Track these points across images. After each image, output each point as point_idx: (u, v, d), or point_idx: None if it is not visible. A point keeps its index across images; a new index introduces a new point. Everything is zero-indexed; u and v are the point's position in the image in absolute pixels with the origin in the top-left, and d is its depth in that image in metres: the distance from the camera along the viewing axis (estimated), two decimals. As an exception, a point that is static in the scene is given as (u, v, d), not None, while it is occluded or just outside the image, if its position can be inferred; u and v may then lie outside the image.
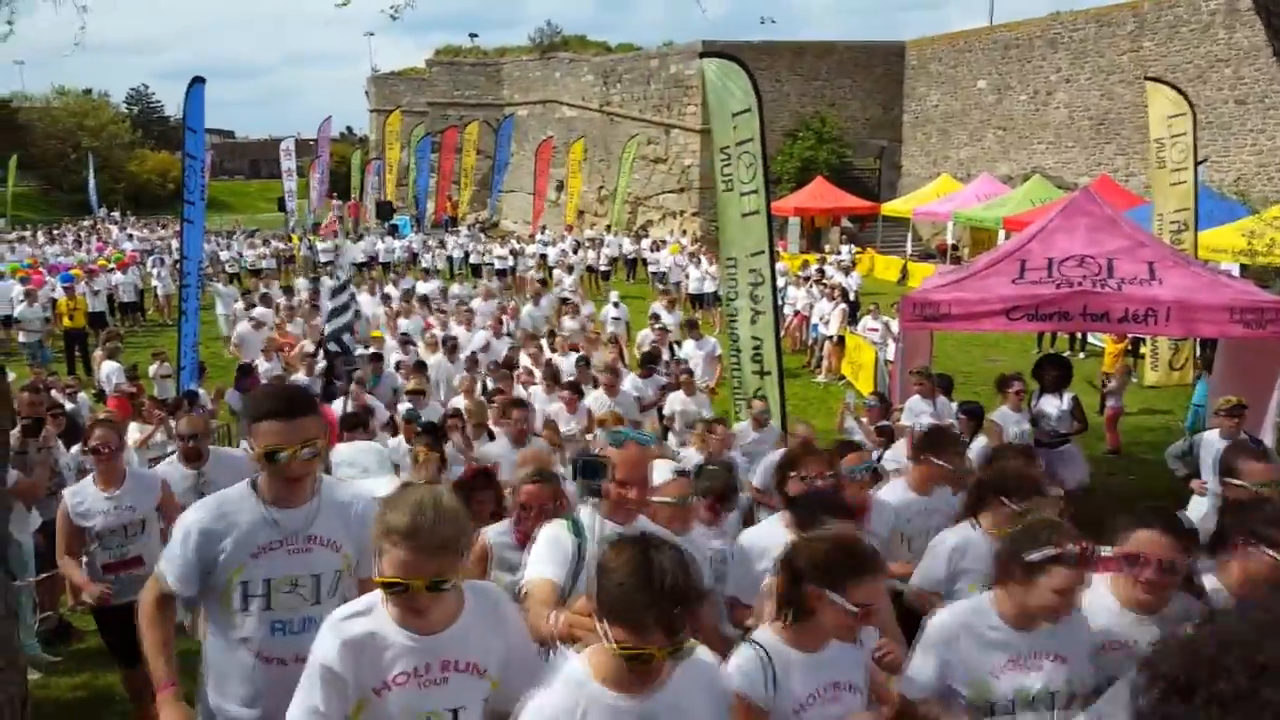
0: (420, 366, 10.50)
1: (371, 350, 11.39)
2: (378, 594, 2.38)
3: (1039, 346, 17.10)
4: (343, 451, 5.47)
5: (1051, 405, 8.16)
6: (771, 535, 3.87)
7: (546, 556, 2.98)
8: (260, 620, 2.90)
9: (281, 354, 12.56)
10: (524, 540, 3.71)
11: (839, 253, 26.08)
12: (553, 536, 3.06)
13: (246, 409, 3.07)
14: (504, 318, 14.25)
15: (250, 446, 2.96)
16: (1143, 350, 14.43)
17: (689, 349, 11.79)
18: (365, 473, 5.19)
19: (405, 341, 12.68)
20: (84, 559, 4.98)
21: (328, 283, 16.65)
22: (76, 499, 5.03)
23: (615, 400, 8.96)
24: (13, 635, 1.37)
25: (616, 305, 15.53)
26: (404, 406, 8.52)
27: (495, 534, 4.20)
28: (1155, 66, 23.91)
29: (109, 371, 11.80)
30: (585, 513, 3.09)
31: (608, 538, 2.74)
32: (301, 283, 20.43)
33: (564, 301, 16.56)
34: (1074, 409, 8.17)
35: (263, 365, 11.84)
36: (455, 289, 18.80)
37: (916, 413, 8.14)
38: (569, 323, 14.54)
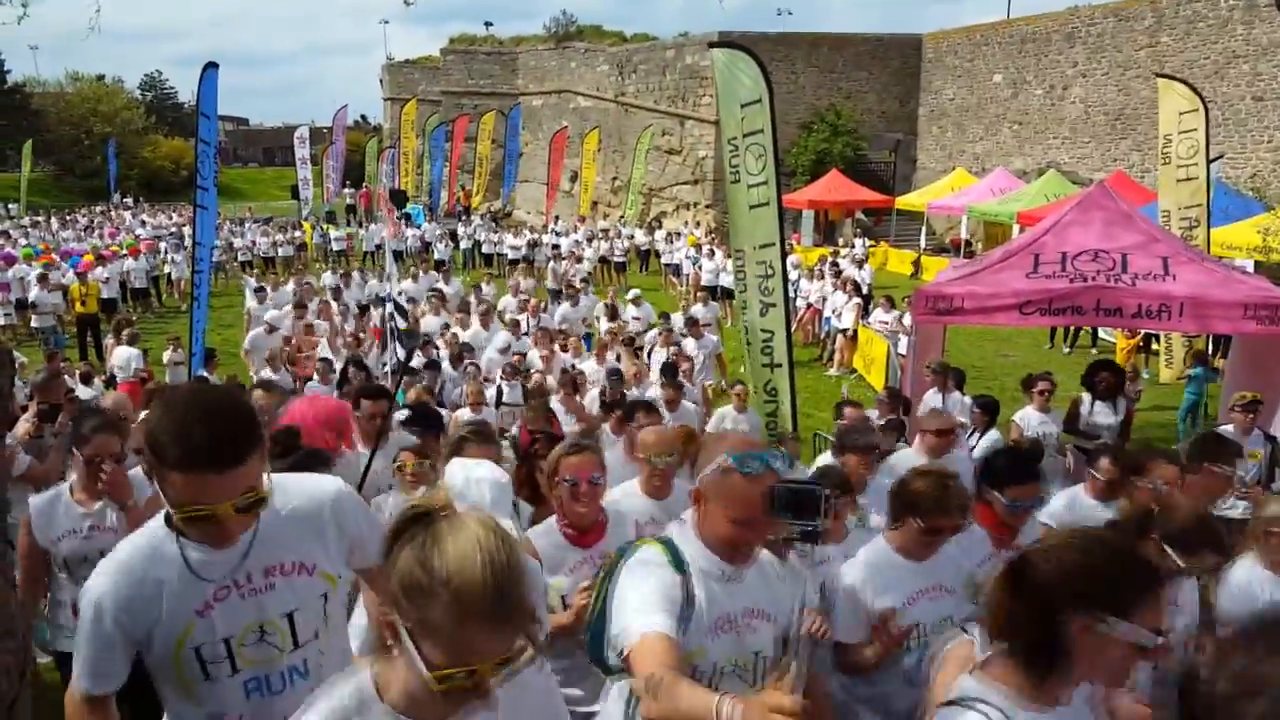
0: (433, 366, 9.88)
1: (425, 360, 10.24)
2: (365, 678, 1.71)
3: (1051, 342, 17.11)
4: (454, 475, 3.36)
5: (1105, 415, 7.61)
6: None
7: (653, 598, 2.17)
8: (229, 687, 2.20)
9: (294, 367, 11.38)
10: (578, 537, 3.36)
11: (853, 246, 26.03)
12: (651, 567, 2.30)
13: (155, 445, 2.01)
14: (525, 316, 13.34)
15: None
16: (1155, 346, 14.42)
17: (689, 347, 11.28)
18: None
19: (426, 344, 11.62)
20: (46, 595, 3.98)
21: (369, 281, 16.17)
22: (41, 512, 3.85)
23: (674, 415, 7.60)
24: (11, 604, 1.36)
25: (638, 303, 14.59)
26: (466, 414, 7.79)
27: (540, 536, 3.45)
28: (1173, 62, 23.80)
29: (127, 357, 11.69)
30: (678, 534, 2.41)
31: (710, 573, 2.34)
32: (328, 278, 18.26)
33: (568, 286, 16.30)
34: (1128, 419, 7.65)
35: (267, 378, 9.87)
36: (486, 289, 17.06)
37: (930, 406, 8.16)
38: (566, 309, 14.25)
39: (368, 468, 4.24)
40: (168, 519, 2.18)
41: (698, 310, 13.62)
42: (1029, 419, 7.70)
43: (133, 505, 3.72)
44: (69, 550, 3.83)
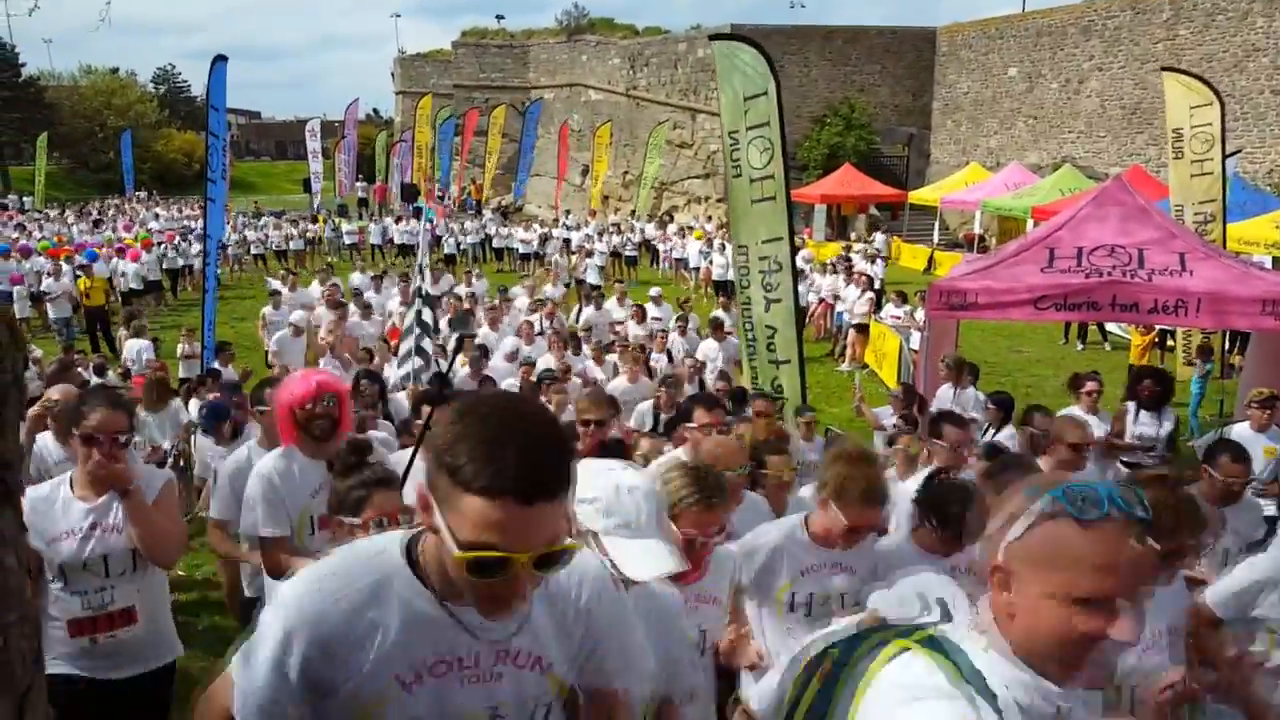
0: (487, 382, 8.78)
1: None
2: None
3: (1066, 338, 16.98)
4: (596, 481, 2.25)
5: (1150, 426, 7.14)
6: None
7: None
8: None
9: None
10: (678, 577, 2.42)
11: (872, 240, 25.90)
12: (935, 705, 1.44)
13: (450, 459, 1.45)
14: (538, 317, 12.25)
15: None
16: (1170, 343, 14.28)
17: (708, 349, 10.80)
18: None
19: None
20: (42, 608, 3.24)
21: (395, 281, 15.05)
22: (37, 508, 3.19)
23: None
24: (24, 589, 1.29)
25: (658, 303, 13.86)
26: None
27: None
28: (1190, 55, 23.57)
29: (138, 349, 11.64)
30: (959, 635, 1.58)
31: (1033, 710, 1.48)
32: (357, 278, 17.14)
33: (579, 283, 16.04)
34: (1175, 432, 7.20)
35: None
36: (518, 290, 15.52)
37: (944, 401, 8.08)
38: (591, 313, 13.32)
39: (408, 470, 4.01)
40: (409, 550, 1.63)
41: (720, 314, 12.55)
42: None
43: (135, 490, 3.23)
44: (67, 554, 3.22)
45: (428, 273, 9.00)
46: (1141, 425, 7.12)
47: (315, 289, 14.94)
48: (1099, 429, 6.85)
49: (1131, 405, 7.23)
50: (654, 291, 14.70)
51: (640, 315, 12.82)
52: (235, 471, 4.12)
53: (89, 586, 3.25)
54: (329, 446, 3.54)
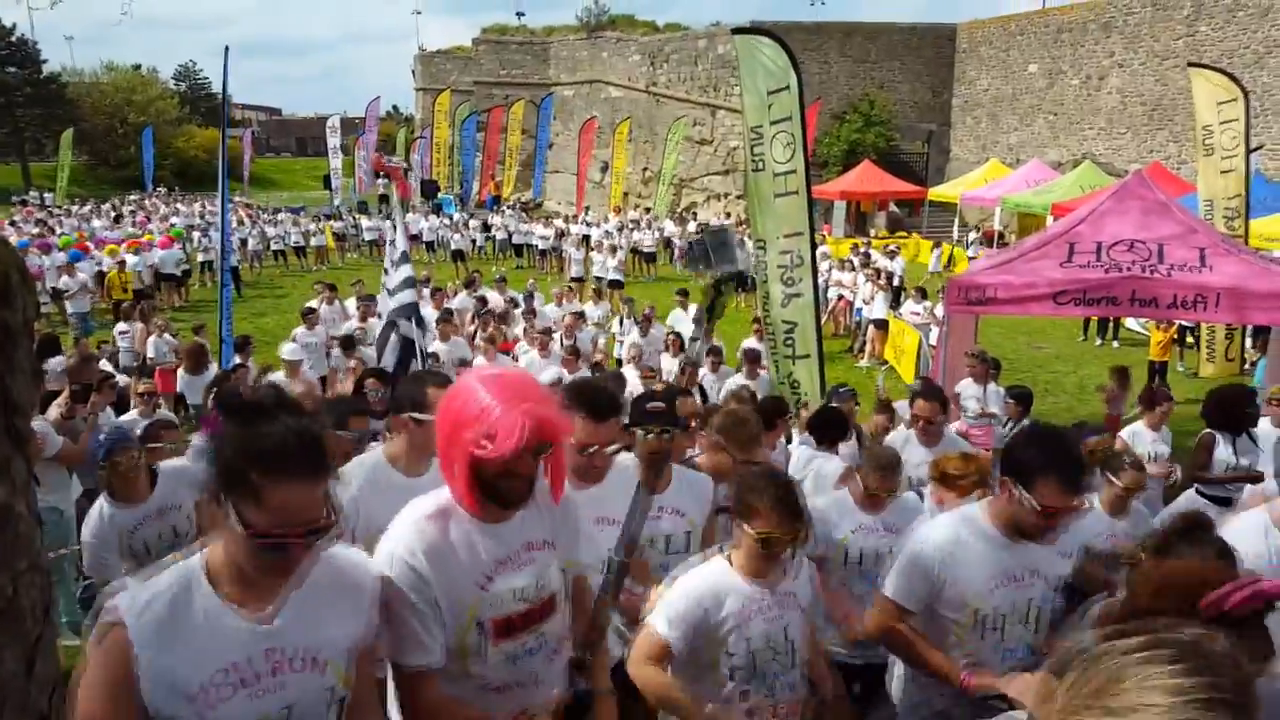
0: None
1: None
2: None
3: (1085, 334, 16.97)
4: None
5: (1226, 451, 6.20)
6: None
7: None
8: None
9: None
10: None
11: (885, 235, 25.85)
12: None
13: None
14: (556, 334, 11.09)
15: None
16: (1189, 339, 14.28)
17: (708, 381, 9.64)
18: None
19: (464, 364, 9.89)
20: None
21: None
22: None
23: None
24: (35, 538, 1.38)
25: (684, 307, 12.80)
26: None
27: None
28: (1211, 51, 23.43)
29: (157, 346, 11.57)
30: None
31: None
32: (462, 300, 14.33)
33: (597, 280, 15.57)
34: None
35: None
36: (550, 310, 13.99)
37: (968, 396, 8.15)
38: (636, 337, 11.35)
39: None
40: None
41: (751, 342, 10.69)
42: (1141, 435, 6.75)
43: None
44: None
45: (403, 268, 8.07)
46: (1221, 451, 6.21)
47: (351, 304, 13.33)
48: (1164, 445, 6.73)
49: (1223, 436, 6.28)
50: (678, 298, 13.58)
51: (678, 346, 10.58)
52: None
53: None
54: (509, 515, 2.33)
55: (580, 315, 12.55)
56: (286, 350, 9.37)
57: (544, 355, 10.11)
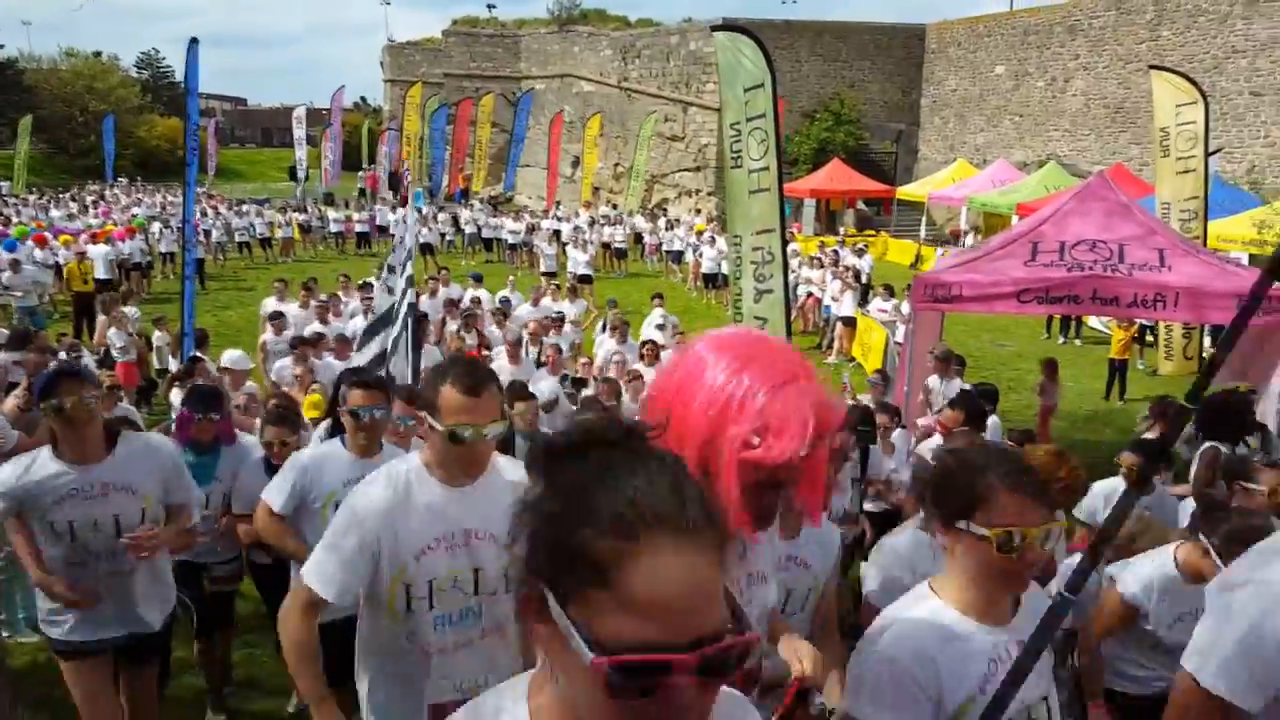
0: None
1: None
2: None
3: (1048, 332, 17.26)
4: None
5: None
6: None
7: None
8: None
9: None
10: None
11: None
12: None
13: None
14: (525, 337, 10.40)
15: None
16: (1148, 338, 14.57)
17: (647, 373, 9.06)
18: None
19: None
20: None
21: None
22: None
23: None
24: None
25: (663, 322, 12.29)
26: None
27: None
28: (1172, 56, 23.87)
29: (115, 337, 11.16)
30: None
31: None
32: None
33: (570, 289, 15.24)
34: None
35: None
36: (524, 311, 13.38)
37: (933, 392, 8.29)
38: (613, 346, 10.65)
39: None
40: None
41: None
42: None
43: None
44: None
45: (408, 266, 7.21)
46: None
47: (356, 303, 12.57)
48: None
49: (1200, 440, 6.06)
50: (658, 306, 12.91)
51: (654, 355, 9.69)
52: None
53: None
54: None
55: (559, 319, 12.01)
56: (228, 358, 8.18)
57: (514, 364, 9.20)
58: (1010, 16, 31.75)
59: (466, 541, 2.62)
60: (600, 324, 12.41)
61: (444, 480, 2.64)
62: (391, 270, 7.85)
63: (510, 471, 2.71)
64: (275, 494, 3.97)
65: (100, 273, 17.39)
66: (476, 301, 13.68)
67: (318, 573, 2.57)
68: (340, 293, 13.47)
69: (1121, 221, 8.01)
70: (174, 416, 5.97)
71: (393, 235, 27.36)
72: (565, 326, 11.99)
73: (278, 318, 11.15)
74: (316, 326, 10.98)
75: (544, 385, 8.15)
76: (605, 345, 10.95)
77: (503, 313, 12.45)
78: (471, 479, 2.65)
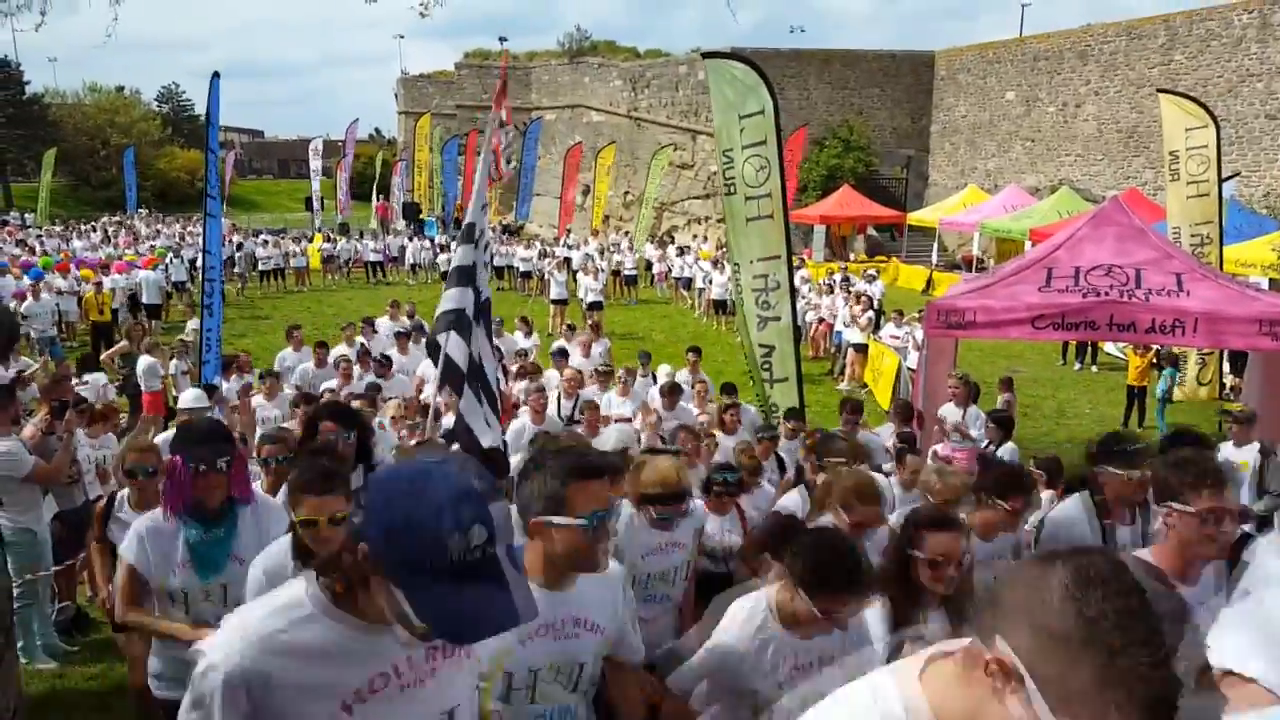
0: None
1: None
2: None
3: (1064, 358, 17.06)
4: None
5: None
6: None
7: None
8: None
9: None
10: None
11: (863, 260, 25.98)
12: None
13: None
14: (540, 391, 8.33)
15: None
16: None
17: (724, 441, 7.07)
18: None
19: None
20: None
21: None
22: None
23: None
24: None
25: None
26: None
27: None
28: (1186, 80, 23.79)
29: (148, 367, 10.91)
30: None
31: None
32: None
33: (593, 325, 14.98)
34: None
35: None
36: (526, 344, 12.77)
37: (949, 419, 8.16)
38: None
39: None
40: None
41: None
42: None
43: None
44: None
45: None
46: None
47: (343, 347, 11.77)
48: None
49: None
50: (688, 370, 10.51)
51: (673, 401, 8.56)
52: None
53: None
54: None
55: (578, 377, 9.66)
56: (186, 399, 7.78)
57: (537, 422, 7.75)
58: (1020, 43, 31.76)
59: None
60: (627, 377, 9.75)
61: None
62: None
63: None
64: None
65: (144, 297, 18.41)
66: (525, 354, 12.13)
67: None
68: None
69: (1137, 246, 7.89)
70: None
71: (409, 265, 27.78)
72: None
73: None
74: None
75: (614, 437, 5.82)
76: (643, 400, 9.06)
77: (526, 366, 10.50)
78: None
